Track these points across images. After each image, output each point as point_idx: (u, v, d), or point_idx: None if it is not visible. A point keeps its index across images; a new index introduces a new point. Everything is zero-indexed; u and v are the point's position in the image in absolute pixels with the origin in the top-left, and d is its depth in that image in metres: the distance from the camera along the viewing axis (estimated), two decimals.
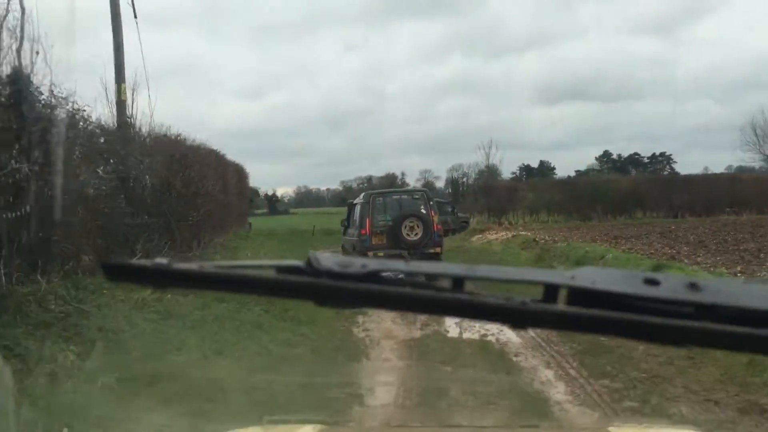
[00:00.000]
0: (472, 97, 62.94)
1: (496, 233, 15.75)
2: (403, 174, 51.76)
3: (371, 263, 0.47)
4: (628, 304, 0.44)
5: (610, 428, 0.88)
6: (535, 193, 22.11)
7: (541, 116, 58.35)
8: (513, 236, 14.07)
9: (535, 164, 42.97)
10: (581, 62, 58.03)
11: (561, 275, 0.49)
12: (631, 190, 22.09)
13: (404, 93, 61.60)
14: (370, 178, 52.94)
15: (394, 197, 8.78)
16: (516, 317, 0.46)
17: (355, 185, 52.16)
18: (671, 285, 0.44)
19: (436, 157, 63.85)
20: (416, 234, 8.05)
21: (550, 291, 0.47)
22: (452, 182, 42.88)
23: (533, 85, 62.05)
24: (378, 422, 2.87)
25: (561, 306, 0.46)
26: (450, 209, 18.43)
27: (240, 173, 14.30)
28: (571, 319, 0.47)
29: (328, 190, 56.13)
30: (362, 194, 9.06)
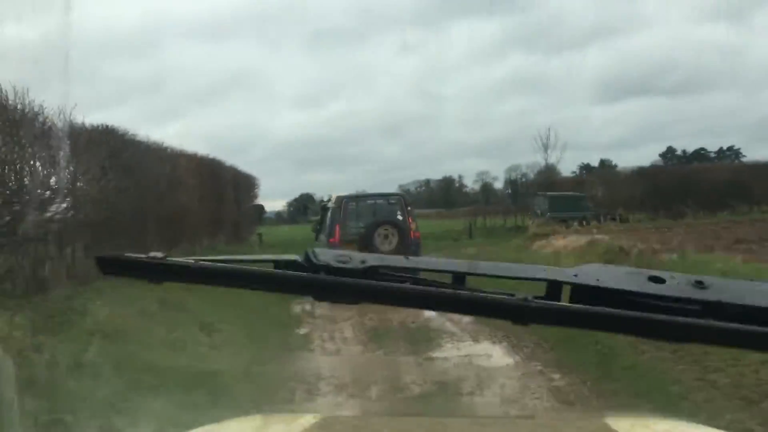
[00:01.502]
0: (530, 97, 64.34)
1: (563, 238, 14.07)
2: (460, 177, 53.05)
3: (370, 258, 0.50)
4: (633, 302, 0.48)
5: (606, 420, 0.88)
6: (607, 187, 20.70)
7: (601, 114, 59.16)
8: (588, 243, 12.26)
9: (595, 163, 41.44)
10: (644, 56, 57.66)
11: (564, 273, 0.51)
12: (732, 180, 20.09)
13: (461, 95, 63.62)
14: (427, 182, 55.55)
15: (369, 202, 8.74)
16: (518, 314, 0.49)
17: (413, 189, 54.74)
18: (677, 283, 0.48)
19: (493, 160, 66.33)
20: (390, 243, 7.87)
21: (553, 288, 0.50)
22: (511, 183, 43.09)
23: (593, 82, 62.34)
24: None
25: (564, 303, 0.49)
26: (586, 205, 18.23)
27: (239, 182, 14.36)
28: (574, 316, 0.50)
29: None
30: (335, 198, 8.91)
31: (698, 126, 61.65)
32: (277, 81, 67.02)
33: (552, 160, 30.28)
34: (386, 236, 7.90)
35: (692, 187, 19.23)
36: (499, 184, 45.68)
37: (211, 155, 12.46)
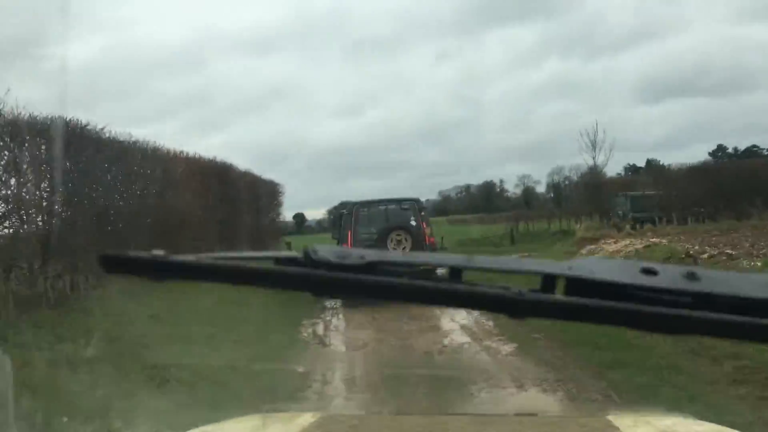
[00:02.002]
0: (571, 100, 65.72)
1: (615, 243, 13.31)
2: (501, 181, 53.87)
3: (369, 254, 0.53)
4: (626, 294, 0.50)
5: (609, 417, 0.87)
6: (659, 186, 19.65)
7: (643, 115, 59.31)
8: (645, 248, 11.49)
9: (641, 164, 40.02)
10: (686, 55, 56.56)
11: (559, 266, 0.54)
12: None
13: (500, 100, 65.03)
14: (467, 187, 56.88)
15: (381, 207, 8.79)
16: (513, 307, 0.51)
17: (453, 195, 54.99)
18: (669, 274, 0.49)
19: (535, 164, 66.79)
20: (404, 248, 7.91)
21: (548, 281, 0.53)
22: (553, 186, 42.98)
23: (635, 83, 61.88)
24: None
25: (558, 296, 0.51)
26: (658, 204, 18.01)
27: (258, 189, 13.87)
28: (568, 309, 0.52)
29: (427, 200, 59.80)
30: (347, 204, 9.14)
31: (744, 124, 59.75)
32: (316, 91, 69.52)
33: (600, 160, 29.10)
34: (399, 242, 7.97)
35: (759, 185, 17.78)
36: (541, 188, 45.91)
37: (223, 159, 11.92)
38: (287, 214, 19.88)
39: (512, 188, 50.92)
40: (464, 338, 5.58)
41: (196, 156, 10.66)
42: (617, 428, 0.87)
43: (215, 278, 0.51)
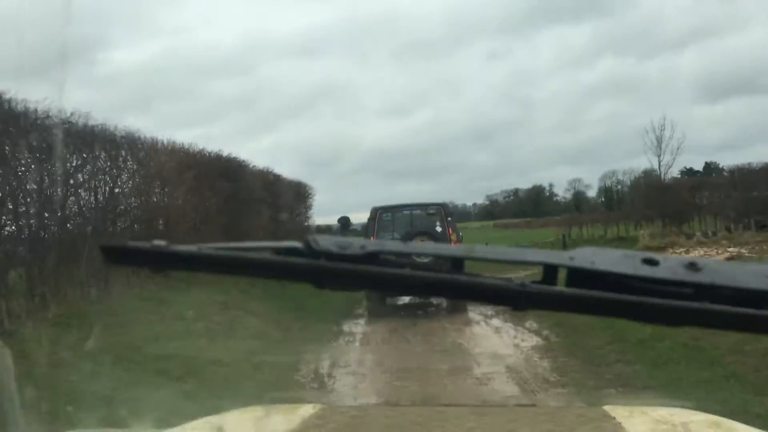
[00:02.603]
0: (625, 101, 64.04)
1: (686, 252, 12.19)
2: (551, 185, 54.06)
3: (370, 245, 0.54)
4: (628, 285, 0.51)
5: (605, 407, 0.84)
6: (737, 189, 17.68)
7: (701, 116, 57.46)
8: (726, 259, 10.42)
9: (698, 167, 37.77)
10: (744, 55, 53.64)
11: (560, 256, 0.55)
12: None
13: (551, 101, 64.29)
14: (516, 191, 56.46)
15: (405, 212, 8.67)
16: (515, 299, 0.53)
17: (500, 199, 54.37)
18: (670, 265, 0.51)
19: (586, 167, 66.63)
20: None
21: (550, 272, 0.54)
22: (605, 191, 41.29)
23: (691, 84, 59.51)
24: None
25: (560, 287, 0.53)
26: None
27: (279, 190, 12.60)
28: (570, 300, 0.53)
29: (474, 204, 61.43)
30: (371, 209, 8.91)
31: None
32: (365, 93, 71.05)
33: (665, 160, 27.32)
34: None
35: None
36: (591, 193, 45.26)
37: (234, 155, 10.49)
38: (324, 219, 19.68)
39: (562, 192, 50.44)
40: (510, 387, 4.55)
41: (184, 147, 8.99)
42: (613, 418, 0.88)
43: (216, 269, 0.52)
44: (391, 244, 0.58)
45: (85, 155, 6.67)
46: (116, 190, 7.23)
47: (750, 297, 0.46)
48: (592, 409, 0.98)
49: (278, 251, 0.53)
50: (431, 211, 8.54)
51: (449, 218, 8.39)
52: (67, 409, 2.81)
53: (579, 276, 0.52)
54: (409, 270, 0.53)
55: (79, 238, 6.18)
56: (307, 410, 0.98)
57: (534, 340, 6.08)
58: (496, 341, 6.16)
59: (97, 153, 6.86)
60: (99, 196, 6.90)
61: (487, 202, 55.31)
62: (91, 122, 6.63)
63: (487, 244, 12.68)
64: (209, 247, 0.52)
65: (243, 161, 10.96)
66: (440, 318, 7.60)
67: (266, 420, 1.03)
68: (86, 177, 6.71)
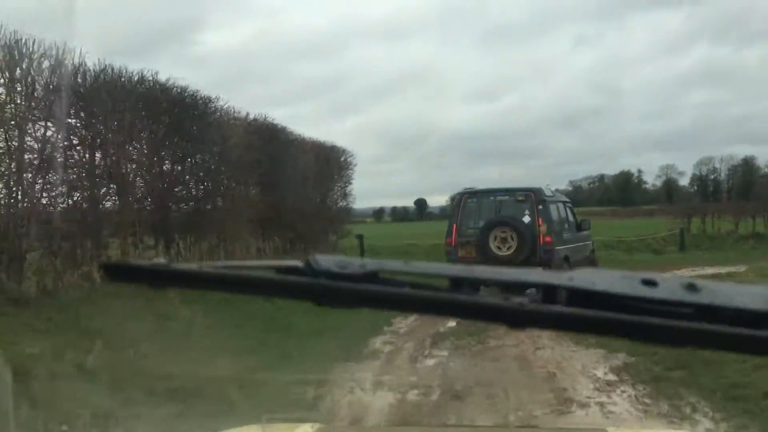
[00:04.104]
0: (721, 88, 59.90)
1: None
2: (639, 171, 52.34)
3: (369, 264, 0.57)
4: (627, 305, 0.52)
5: (608, 429, 0.80)
6: None
7: None
8: None
9: None
10: None
11: (559, 276, 0.57)
12: None
13: (641, 88, 61.61)
14: (601, 177, 54.86)
15: (491, 198, 8.04)
16: (514, 318, 0.55)
17: (585, 185, 52.79)
18: (669, 286, 0.52)
19: (677, 153, 62.77)
20: (509, 248, 7.24)
21: (549, 292, 0.56)
22: (699, 179, 38.46)
23: None
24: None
25: (559, 306, 0.55)
26: None
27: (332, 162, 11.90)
28: (569, 320, 0.55)
29: (557, 190, 58.62)
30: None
31: None
32: (450, 76, 71.45)
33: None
34: (504, 240, 7.30)
35: None
36: (684, 180, 43.34)
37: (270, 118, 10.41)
38: (403, 200, 18.36)
39: (651, 179, 48.53)
40: None
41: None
42: None
43: (217, 287, 0.55)
44: (391, 263, 0.59)
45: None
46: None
47: (748, 317, 0.47)
48: None
49: (279, 270, 0.56)
50: (520, 198, 7.76)
51: (540, 206, 7.55)
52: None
53: (578, 296, 0.53)
54: (408, 289, 0.56)
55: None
56: (305, 429, 0.99)
57: None
58: None
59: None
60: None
61: (570, 188, 53.44)
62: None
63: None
64: (210, 266, 0.56)
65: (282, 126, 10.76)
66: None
67: None
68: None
